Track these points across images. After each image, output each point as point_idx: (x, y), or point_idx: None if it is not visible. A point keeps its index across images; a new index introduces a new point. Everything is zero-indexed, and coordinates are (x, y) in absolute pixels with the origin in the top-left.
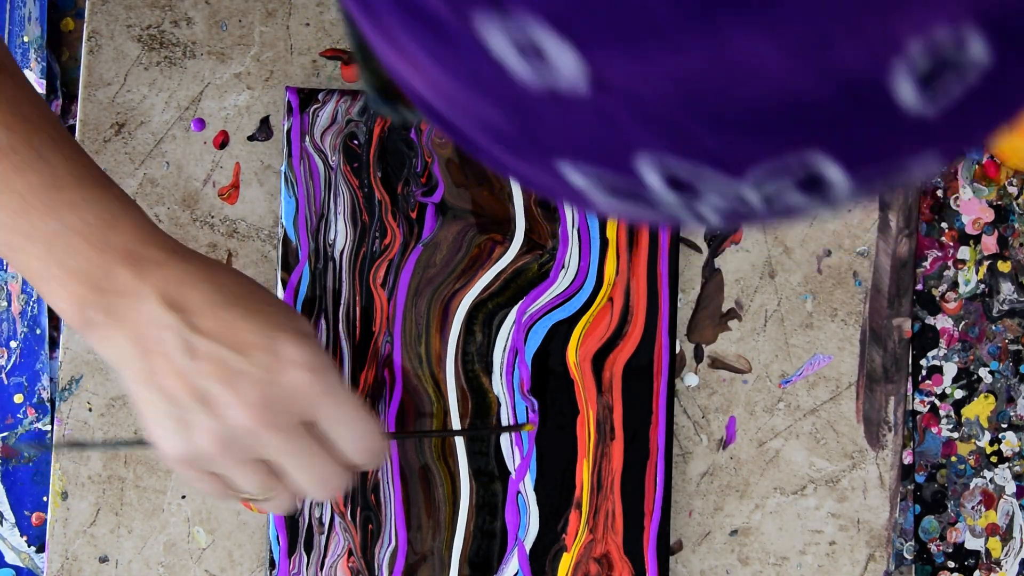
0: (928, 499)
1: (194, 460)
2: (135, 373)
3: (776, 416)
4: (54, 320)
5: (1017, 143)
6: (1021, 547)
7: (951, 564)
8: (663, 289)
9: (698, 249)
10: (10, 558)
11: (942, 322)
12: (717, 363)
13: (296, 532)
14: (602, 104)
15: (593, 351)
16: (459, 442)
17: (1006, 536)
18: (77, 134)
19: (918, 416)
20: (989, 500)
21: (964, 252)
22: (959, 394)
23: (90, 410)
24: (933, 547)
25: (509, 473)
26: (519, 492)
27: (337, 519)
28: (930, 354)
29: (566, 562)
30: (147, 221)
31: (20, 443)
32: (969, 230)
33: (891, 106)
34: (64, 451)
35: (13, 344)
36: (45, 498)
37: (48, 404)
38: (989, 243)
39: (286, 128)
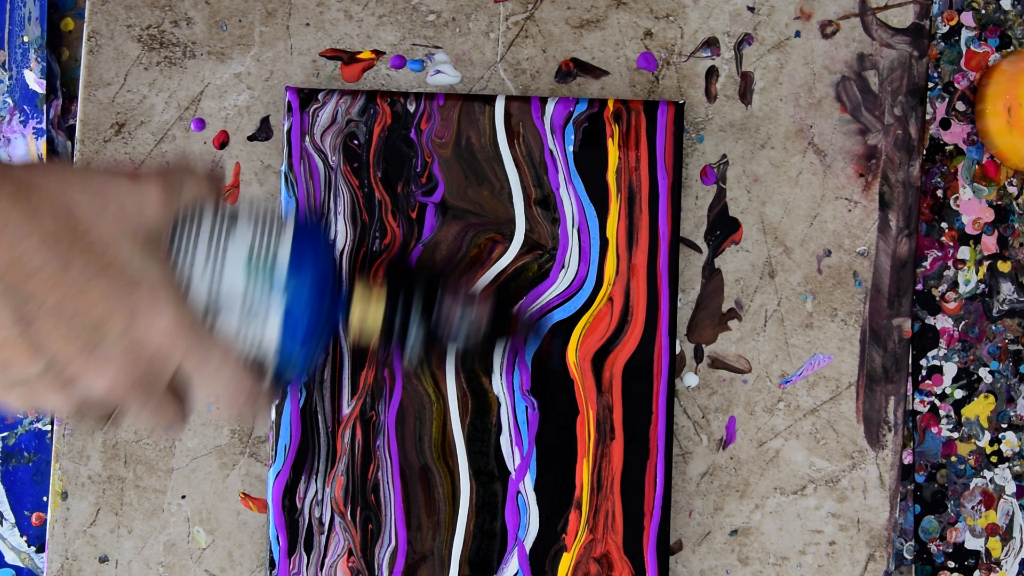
0: (928, 499)
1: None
2: None
3: (776, 416)
4: None
5: (1017, 143)
6: (1021, 547)
7: (951, 564)
8: (663, 289)
9: (698, 249)
10: (10, 558)
11: (942, 322)
12: (717, 363)
13: (296, 532)
14: None
15: (593, 351)
16: (459, 442)
17: (1006, 536)
18: (77, 134)
19: (918, 416)
20: (989, 500)
21: (964, 252)
22: (959, 394)
23: None
24: (933, 547)
25: (509, 473)
26: (519, 492)
27: (337, 519)
28: (930, 354)
29: (566, 562)
30: None
31: None
32: (969, 230)
33: None
34: None
35: None
36: (45, 498)
37: None
38: (989, 243)
39: (286, 128)
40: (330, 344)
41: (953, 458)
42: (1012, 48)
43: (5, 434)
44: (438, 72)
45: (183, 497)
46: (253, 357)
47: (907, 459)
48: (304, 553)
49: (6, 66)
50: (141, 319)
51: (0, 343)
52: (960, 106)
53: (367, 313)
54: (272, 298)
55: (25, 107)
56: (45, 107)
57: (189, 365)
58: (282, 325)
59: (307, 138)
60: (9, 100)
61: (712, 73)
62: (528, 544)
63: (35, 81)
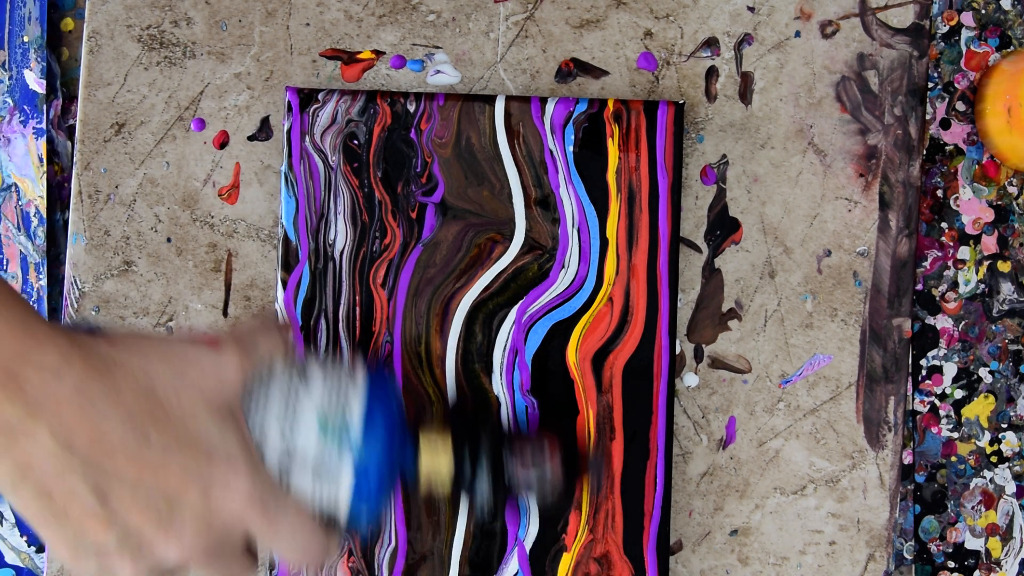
0: (928, 499)
1: None
2: (36, 514)
3: (776, 416)
4: (53, 319)
5: (1017, 143)
6: (1021, 547)
7: (951, 564)
8: (663, 289)
9: (698, 249)
10: (10, 558)
11: (942, 322)
12: (717, 363)
13: None
14: None
15: (593, 351)
16: None
17: (1006, 536)
18: (77, 134)
19: (918, 416)
20: (989, 500)
21: (964, 252)
22: (959, 394)
23: None
24: (933, 547)
25: None
26: None
27: None
28: (930, 354)
29: (566, 562)
30: (32, 317)
31: None
32: (969, 230)
33: None
34: None
35: None
36: None
37: None
38: (989, 243)
39: (286, 128)
40: (395, 494)
41: (953, 458)
42: (1012, 48)
43: None
44: (438, 72)
45: None
46: (324, 515)
47: (907, 459)
48: None
49: (6, 66)
50: (216, 490)
51: (78, 515)
52: (960, 106)
53: (434, 468)
54: (344, 461)
55: (25, 107)
56: (45, 107)
57: (261, 531)
58: (353, 486)
59: (307, 138)
60: (9, 100)
61: (712, 73)
62: (528, 544)
63: (35, 81)
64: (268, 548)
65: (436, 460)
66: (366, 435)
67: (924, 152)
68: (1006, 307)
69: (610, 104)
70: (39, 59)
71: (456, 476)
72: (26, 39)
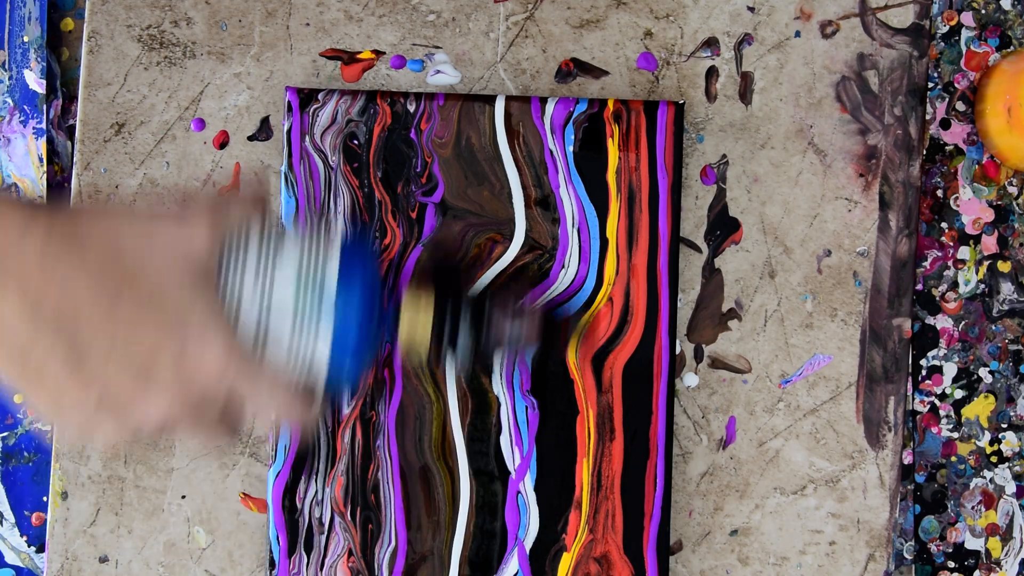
0: (928, 499)
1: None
2: (15, 375)
3: (776, 416)
4: None
5: (1017, 143)
6: (1021, 547)
7: (951, 564)
8: (663, 289)
9: (698, 249)
10: (10, 558)
11: (942, 322)
12: (717, 363)
13: (296, 532)
14: None
15: (593, 351)
16: (459, 442)
17: (1006, 536)
18: (77, 134)
19: (918, 416)
20: (989, 500)
21: (964, 252)
22: (959, 394)
23: None
24: (933, 547)
25: (509, 473)
26: (519, 492)
27: (337, 519)
28: (930, 354)
29: (566, 562)
30: None
31: None
32: (969, 230)
33: None
34: None
35: None
36: (45, 498)
37: None
38: (989, 243)
39: (286, 128)
40: (379, 354)
41: (953, 458)
42: (1012, 48)
43: (5, 434)
44: (438, 72)
45: (183, 497)
46: (304, 374)
47: (907, 459)
48: (304, 553)
49: (6, 66)
50: (191, 349)
51: (55, 373)
52: (960, 106)
53: (416, 323)
54: (323, 313)
55: (25, 107)
56: (45, 107)
57: (241, 391)
58: (333, 339)
59: (307, 138)
60: (9, 100)
61: (712, 73)
62: (528, 544)
63: (35, 81)
64: (249, 409)
65: (417, 315)
66: (344, 288)
67: (924, 152)
68: (1006, 307)
69: (610, 104)
70: (39, 59)
71: (437, 328)
72: (26, 39)
